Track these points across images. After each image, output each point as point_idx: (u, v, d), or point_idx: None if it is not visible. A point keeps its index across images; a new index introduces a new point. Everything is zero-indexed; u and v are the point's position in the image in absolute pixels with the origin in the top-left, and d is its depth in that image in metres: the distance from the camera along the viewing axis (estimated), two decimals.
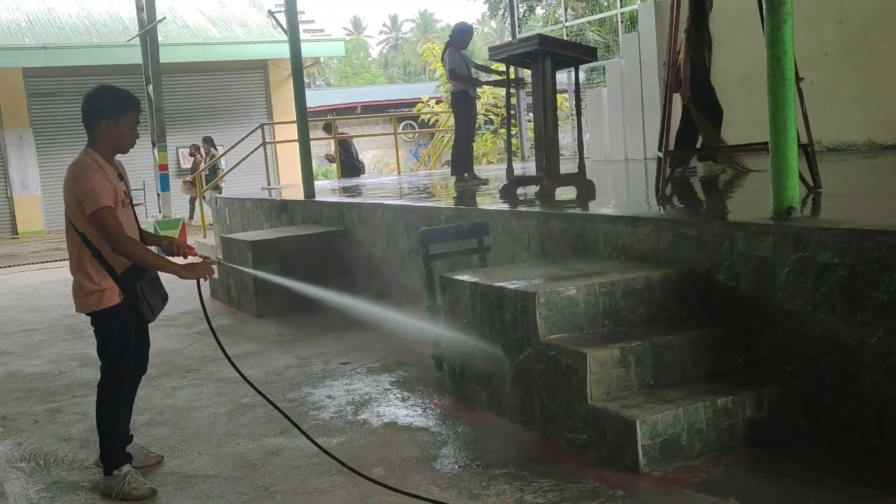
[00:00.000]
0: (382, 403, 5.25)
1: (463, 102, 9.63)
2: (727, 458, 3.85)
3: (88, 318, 4.16)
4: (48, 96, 20.49)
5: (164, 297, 4.27)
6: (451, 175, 10.16)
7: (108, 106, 4.02)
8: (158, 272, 4.16)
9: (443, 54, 9.91)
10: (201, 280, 4.14)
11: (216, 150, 18.55)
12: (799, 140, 5.11)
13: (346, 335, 6.94)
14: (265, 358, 6.63)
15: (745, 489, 3.57)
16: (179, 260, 4.15)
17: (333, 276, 8.07)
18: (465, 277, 4.93)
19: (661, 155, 6.34)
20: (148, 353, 4.42)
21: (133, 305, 4.06)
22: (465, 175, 9.68)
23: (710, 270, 4.44)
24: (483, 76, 10.66)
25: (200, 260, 4.16)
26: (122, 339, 4.11)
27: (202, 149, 18.85)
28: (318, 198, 9.88)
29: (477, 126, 14.28)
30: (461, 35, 9.62)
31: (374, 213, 8.19)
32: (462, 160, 9.80)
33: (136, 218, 4.25)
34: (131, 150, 4.18)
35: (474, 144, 11.20)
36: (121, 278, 4.02)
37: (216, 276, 8.55)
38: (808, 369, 3.99)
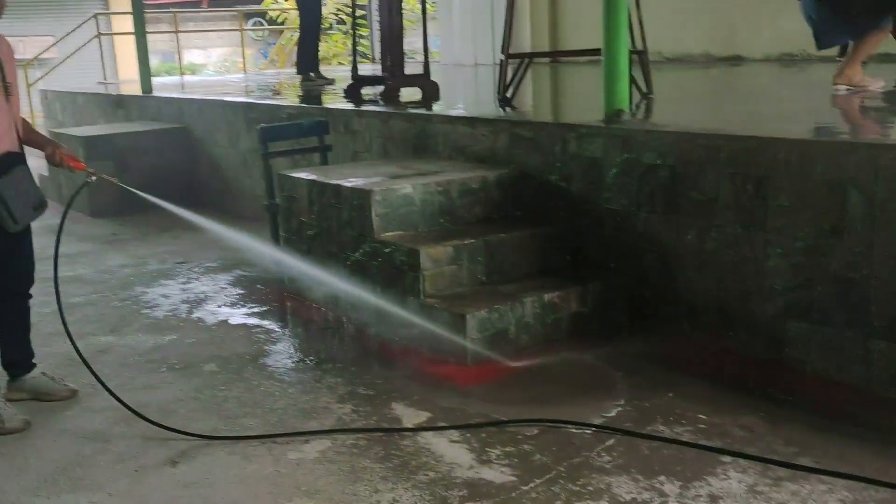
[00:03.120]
0: (218, 302, 5.19)
1: None
2: (551, 350, 4.03)
3: None
4: None
5: (38, 204, 3.71)
6: (297, 74, 9.89)
7: None
8: (30, 172, 3.67)
9: None
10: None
11: None
12: (634, 47, 5.27)
13: (184, 235, 6.76)
14: (98, 257, 6.40)
15: (562, 372, 3.81)
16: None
17: (172, 176, 7.80)
18: (303, 175, 4.86)
19: (503, 58, 6.38)
20: (28, 270, 3.83)
21: None
22: (311, 74, 9.42)
23: (544, 171, 4.54)
24: None
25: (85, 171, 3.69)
26: None
27: None
28: (155, 93, 9.44)
29: (328, 26, 13.82)
30: None
31: (215, 110, 7.91)
32: (307, 59, 9.51)
33: (13, 110, 3.63)
34: None
35: (322, 44, 10.90)
36: None
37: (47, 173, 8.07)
38: (631, 267, 4.19)
